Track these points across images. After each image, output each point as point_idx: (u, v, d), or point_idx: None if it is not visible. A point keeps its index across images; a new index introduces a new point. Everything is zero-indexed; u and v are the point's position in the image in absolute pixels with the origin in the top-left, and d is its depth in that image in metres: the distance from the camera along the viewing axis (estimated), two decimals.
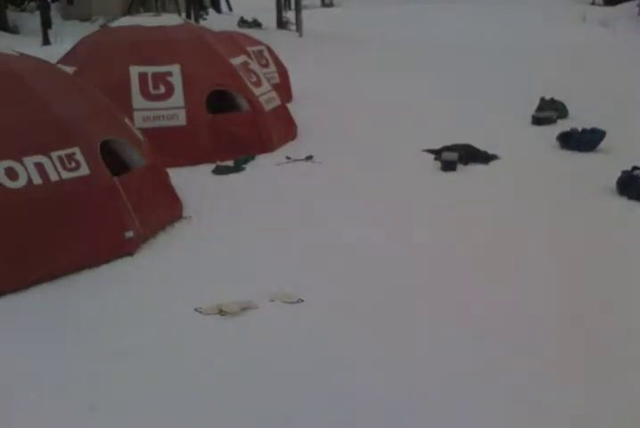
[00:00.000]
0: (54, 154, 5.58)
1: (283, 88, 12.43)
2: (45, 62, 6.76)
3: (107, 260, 5.80)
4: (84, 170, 5.71)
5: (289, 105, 11.64)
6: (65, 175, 5.59)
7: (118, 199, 5.94)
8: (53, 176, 5.53)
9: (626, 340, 4.66)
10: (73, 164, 5.66)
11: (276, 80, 12.44)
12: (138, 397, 4.09)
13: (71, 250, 5.59)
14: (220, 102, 9.05)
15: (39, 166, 5.48)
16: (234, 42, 11.82)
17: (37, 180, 5.44)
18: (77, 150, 5.71)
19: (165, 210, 6.67)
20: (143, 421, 3.90)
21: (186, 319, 4.93)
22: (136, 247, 6.04)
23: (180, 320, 4.93)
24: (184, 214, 6.88)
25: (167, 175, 7.13)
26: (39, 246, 5.47)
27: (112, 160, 6.37)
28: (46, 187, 5.49)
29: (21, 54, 6.64)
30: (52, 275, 5.47)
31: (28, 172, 5.41)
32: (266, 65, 12.53)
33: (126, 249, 5.95)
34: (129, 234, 5.96)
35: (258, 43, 13.03)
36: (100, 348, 4.59)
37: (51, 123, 5.78)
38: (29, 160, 5.45)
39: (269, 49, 12.98)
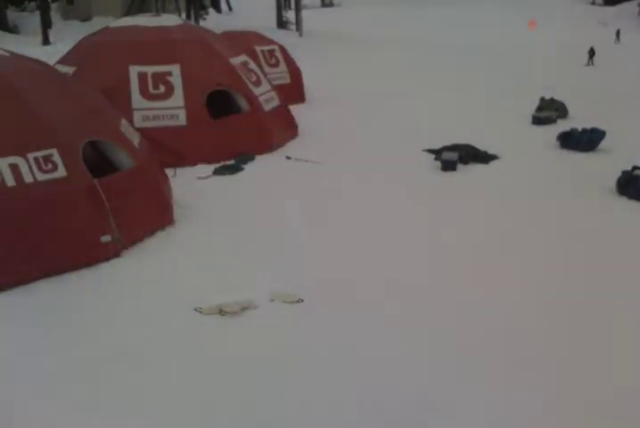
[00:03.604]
0: (31, 155, 5.47)
1: (295, 89, 12.48)
2: (38, 63, 6.66)
3: (86, 265, 5.67)
4: (60, 172, 5.59)
5: (300, 106, 11.66)
6: (40, 177, 5.48)
7: (97, 202, 5.80)
8: (28, 178, 5.42)
9: (626, 336, 4.68)
10: (50, 166, 5.54)
11: (286, 80, 12.44)
12: (138, 396, 4.08)
13: (43, 253, 5.49)
14: (220, 101, 9.05)
15: (14, 167, 5.38)
16: (243, 41, 11.86)
17: (11, 182, 5.35)
18: (54, 151, 5.60)
19: (154, 214, 6.48)
20: (143, 420, 3.90)
21: (186, 319, 4.93)
22: (115, 251, 5.89)
23: (180, 320, 4.93)
24: (183, 214, 6.87)
25: (162, 176, 7.06)
26: (9, 249, 5.36)
27: (106, 161, 6.35)
28: (19, 189, 5.37)
29: (13, 54, 6.60)
30: (22, 280, 5.36)
31: (2, 173, 5.34)
32: (276, 65, 12.52)
33: (102, 253, 5.81)
34: (106, 238, 5.82)
35: (270, 42, 13.01)
36: (100, 348, 4.58)
37: (30, 124, 5.68)
38: (4, 161, 5.36)
39: (282, 49, 12.96)
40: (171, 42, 9.01)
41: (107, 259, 5.84)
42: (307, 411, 3.94)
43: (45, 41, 20.97)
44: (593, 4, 36.31)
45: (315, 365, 4.38)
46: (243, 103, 9.14)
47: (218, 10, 34.96)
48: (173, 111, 8.53)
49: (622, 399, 4.04)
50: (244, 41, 12.08)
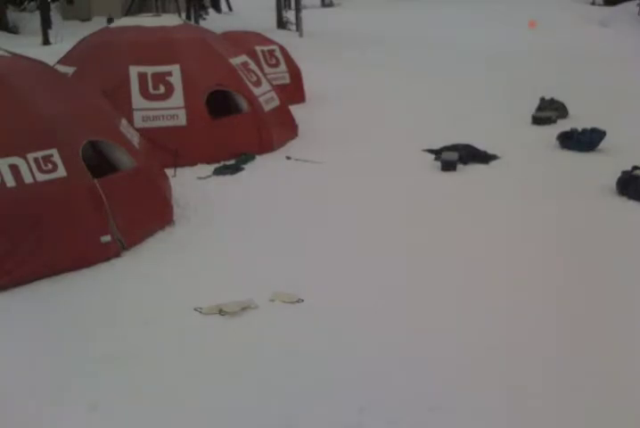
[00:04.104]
0: (30, 156, 5.46)
1: (295, 89, 12.47)
2: (37, 63, 6.66)
3: (86, 265, 5.67)
4: (60, 172, 5.58)
5: (300, 106, 11.65)
6: (40, 177, 5.48)
7: (97, 202, 5.80)
8: (28, 179, 5.42)
9: (626, 337, 4.68)
10: (50, 166, 5.54)
11: (286, 80, 12.45)
12: (138, 396, 4.09)
13: (43, 253, 5.49)
14: (220, 101, 9.05)
15: (14, 168, 5.38)
16: (243, 41, 11.85)
17: (11, 182, 5.35)
18: (55, 151, 5.60)
19: (154, 214, 6.49)
20: (143, 420, 3.90)
21: (186, 319, 4.93)
22: (115, 251, 5.89)
23: (180, 320, 4.93)
24: (183, 214, 6.87)
25: (162, 176, 7.06)
26: (9, 249, 5.37)
27: (106, 161, 6.35)
28: (19, 190, 5.38)
29: (13, 54, 6.59)
30: (22, 280, 5.36)
31: (1, 174, 5.34)
32: (276, 65, 12.52)
33: (102, 253, 5.81)
34: (106, 238, 5.82)
35: (270, 42, 13.00)
36: (100, 347, 4.59)
37: (29, 124, 5.68)
38: (4, 162, 5.37)
39: (282, 49, 12.96)
40: (171, 42, 9.00)
41: (107, 259, 5.84)
42: (307, 411, 3.94)
43: (45, 41, 20.96)
44: (593, 4, 36.24)
45: (315, 364, 4.39)
46: (243, 103, 9.14)
47: (218, 10, 34.91)
48: (173, 111, 8.53)
49: (623, 399, 4.04)
50: (244, 41, 12.07)
